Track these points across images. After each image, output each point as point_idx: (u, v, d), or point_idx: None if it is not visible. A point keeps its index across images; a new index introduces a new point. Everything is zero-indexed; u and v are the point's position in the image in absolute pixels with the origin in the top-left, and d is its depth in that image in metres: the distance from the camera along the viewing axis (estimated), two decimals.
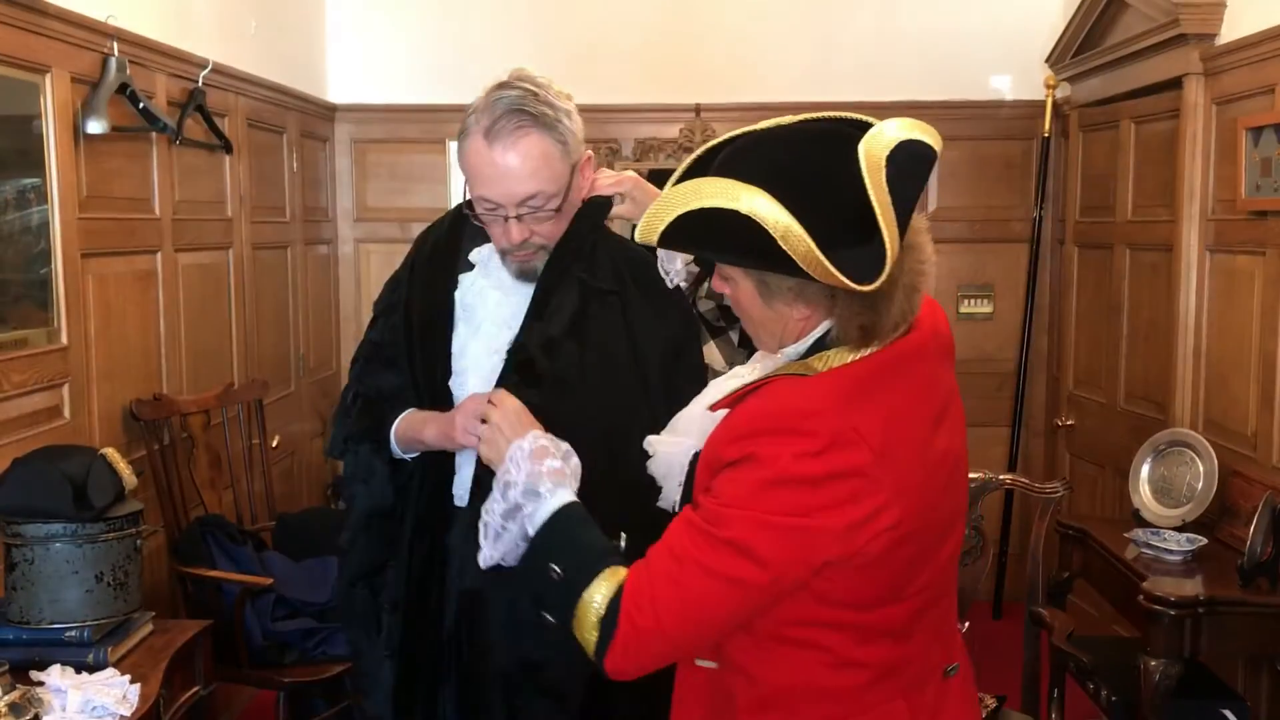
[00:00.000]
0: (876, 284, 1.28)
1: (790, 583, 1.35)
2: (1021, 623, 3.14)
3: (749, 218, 1.29)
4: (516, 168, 1.72)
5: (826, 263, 1.28)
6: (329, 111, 4.79)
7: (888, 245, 1.28)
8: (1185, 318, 3.60)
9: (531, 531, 1.47)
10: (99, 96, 2.91)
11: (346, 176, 4.93)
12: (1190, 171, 3.56)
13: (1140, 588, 2.82)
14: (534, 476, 1.50)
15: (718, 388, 1.57)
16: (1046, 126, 4.69)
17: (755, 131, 1.40)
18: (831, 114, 1.41)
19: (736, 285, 1.43)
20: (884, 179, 1.29)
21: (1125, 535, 3.17)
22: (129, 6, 3.11)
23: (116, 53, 2.98)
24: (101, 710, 2.04)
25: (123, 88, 3.01)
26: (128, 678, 2.17)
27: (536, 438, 1.55)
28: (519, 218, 1.75)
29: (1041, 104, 4.69)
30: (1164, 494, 3.33)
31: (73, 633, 2.23)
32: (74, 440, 2.81)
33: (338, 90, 4.83)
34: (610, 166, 4.91)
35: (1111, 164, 4.17)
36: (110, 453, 2.45)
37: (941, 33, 4.76)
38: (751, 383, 1.42)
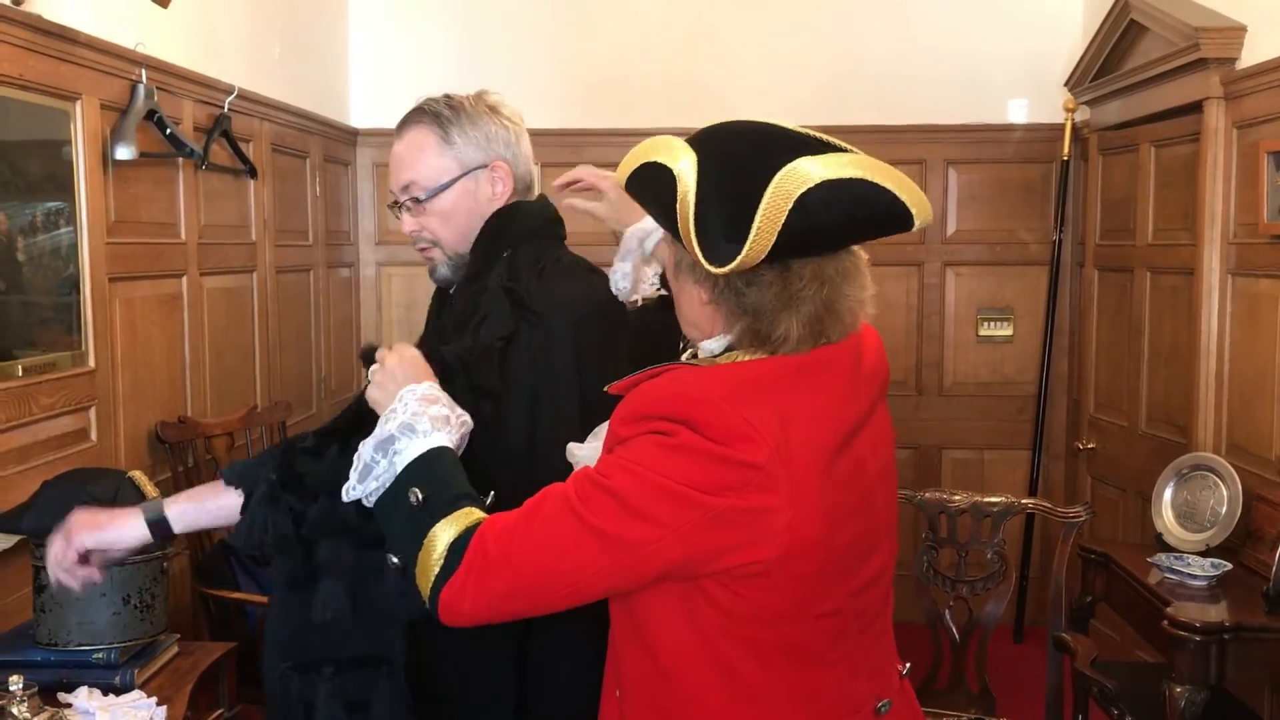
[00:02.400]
0: (721, 269, 1.28)
1: (662, 560, 1.30)
2: (1042, 647, 3.12)
3: (674, 175, 1.31)
4: (399, 154, 1.84)
5: (692, 230, 1.29)
6: (351, 136, 4.83)
7: (748, 244, 1.26)
8: (1207, 341, 3.59)
9: (399, 468, 1.45)
10: (127, 123, 2.95)
11: (368, 200, 4.97)
12: (1211, 195, 3.56)
13: (1164, 613, 2.80)
14: (416, 416, 1.49)
15: None
16: (1066, 150, 4.69)
17: (747, 120, 1.38)
18: (826, 137, 1.36)
19: (667, 256, 1.45)
20: (797, 192, 1.26)
21: (1148, 560, 3.16)
22: (157, 34, 3.15)
23: (145, 80, 3.02)
24: None
25: (150, 114, 3.05)
26: (154, 700, 2.18)
27: (431, 386, 1.54)
28: (406, 207, 1.84)
29: (1060, 127, 4.69)
30: (1187, 518, 3.31)
31: (100, 655, 2.24)
32: (100, 462, 2.84)
33: (360, 115, 4.88)
34: None
35: (1131, 187, 4.17)
36: (138, 475, 2.46)
37: (960, 56, 4.78)
38: (651, 368, 1.40)
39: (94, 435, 2.88)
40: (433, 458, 1.46)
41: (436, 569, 1.35)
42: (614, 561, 1.31)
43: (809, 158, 1.29)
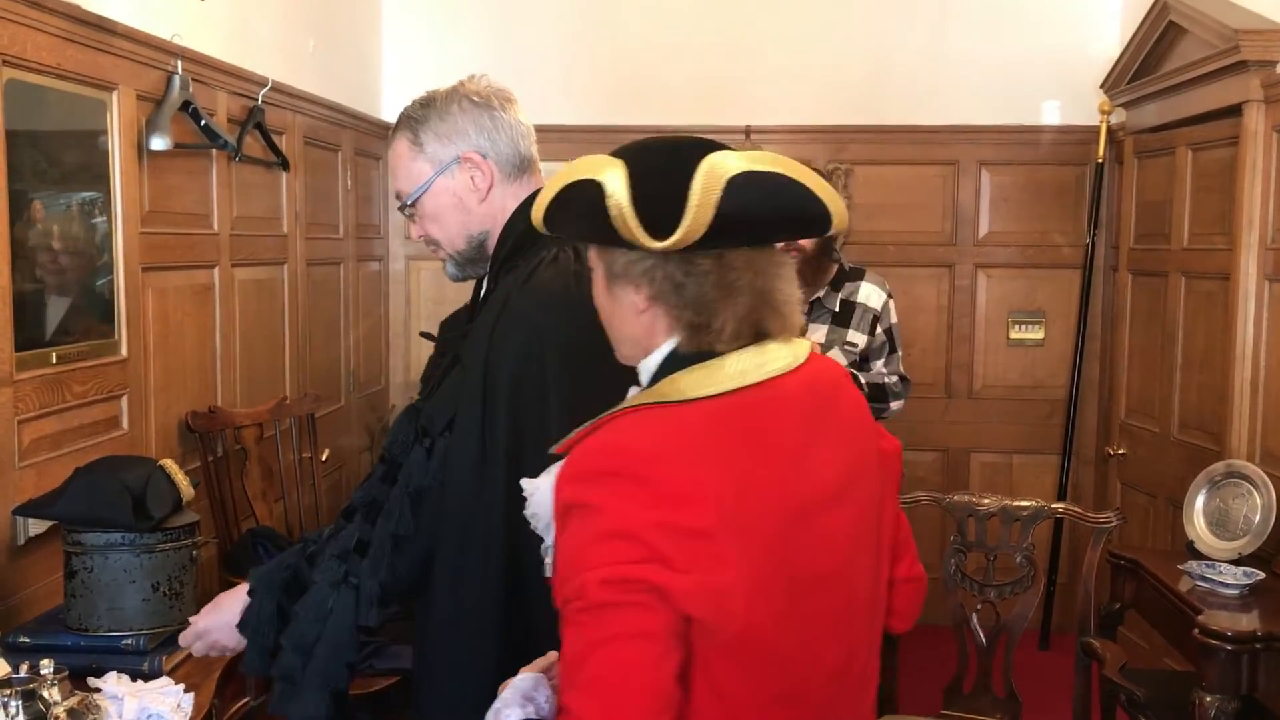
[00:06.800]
0: (664, 242, 1.25)
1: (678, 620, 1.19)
2: (1069, 653, 3.10)
3: (598, 184, 1.27)
4: (389, 164, 1.94)
5: (632, 214, 1.26)
6: (382, 130, 4.84)
7: (687, 218, 1.24)
8: (1243, 347, 3.55)
9: None
10: (163, 114, 2.97)
11: None
12: (1250, 199, 3.51)
13: (1195, 621, 2.77)
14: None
15: None
16: (1101, 152, 4.65)
17: (659, 135, 1.39)
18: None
19: (596, 278, 1.39)
20: (725, 176, 1.26)
21: (1179, 567, 3.12)
22: (193, 26, 3.17)
23: (180, 71, 3.04)
24: (157, 718, 2.06)
25: (185, 105, 3.07)
26: (181, 686, 2.19)
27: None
28: (408, 215, 1.88)
29: (1095, 129, 4.65)
30: (1219, 526, 3.27)
31: (129, 641, 2.26)
32: (131, 450, 2.86)
33: (392, 109, 4.89)
34: None
35: (1167, 191, 4.13)
36: (169, 464, 2.48)
37: (995, 57, 4.74)
38: (601, 416, 1.29)
39: (125, 423, 2.90)
40: None
41: None
42: (663, 646, 1.19)
43: (728, 153, 1.30)
